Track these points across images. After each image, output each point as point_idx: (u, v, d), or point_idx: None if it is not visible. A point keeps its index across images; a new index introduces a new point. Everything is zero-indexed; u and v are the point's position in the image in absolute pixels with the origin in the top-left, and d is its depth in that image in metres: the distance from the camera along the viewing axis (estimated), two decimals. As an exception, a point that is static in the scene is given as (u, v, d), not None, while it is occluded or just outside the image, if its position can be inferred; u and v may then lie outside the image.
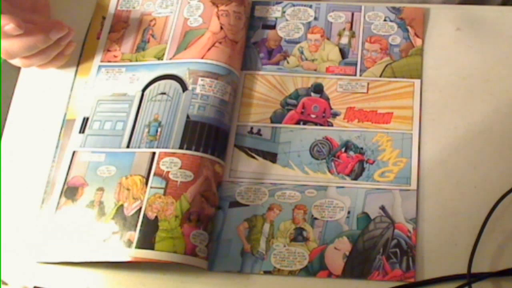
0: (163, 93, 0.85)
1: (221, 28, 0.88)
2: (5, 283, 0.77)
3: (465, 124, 0.83)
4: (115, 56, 0.89)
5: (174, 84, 0.85)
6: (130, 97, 0.86)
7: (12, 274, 0.78)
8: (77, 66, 0.89)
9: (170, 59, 0.88)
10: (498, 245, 0.77)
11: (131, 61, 0.89)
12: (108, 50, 0.90)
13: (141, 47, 0.89)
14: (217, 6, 0.90)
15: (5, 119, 0.87)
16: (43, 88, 0.89)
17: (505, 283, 0.75)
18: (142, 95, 0.86)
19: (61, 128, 0.85)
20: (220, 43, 0.87)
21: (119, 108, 0.85)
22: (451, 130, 0.83)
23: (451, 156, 0.82)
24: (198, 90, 0.84)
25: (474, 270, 0.75)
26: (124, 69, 0.88)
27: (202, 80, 0.85)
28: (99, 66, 0.89)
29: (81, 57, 0.90)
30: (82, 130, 0.85)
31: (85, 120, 0.85)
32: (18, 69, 0.90)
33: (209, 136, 0.82)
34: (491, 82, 0.85)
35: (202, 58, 0.86)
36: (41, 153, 0.84)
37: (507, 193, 0.78)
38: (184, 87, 0.85)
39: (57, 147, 0.84)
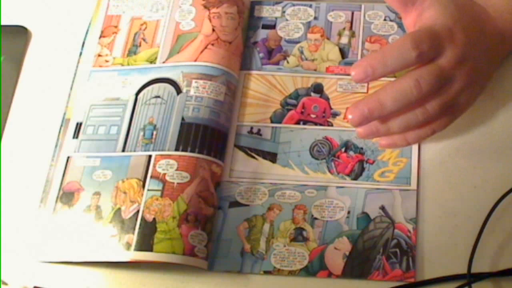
0: (157, 97, 0.85)
1: (213, 30, 0.88)
2: (5, 283, 0.77)
3: (465, 124, 0.83)
4: (106, 61, 0.89)
5: (168, 87, 0.85)
6: (123, 101, 0.86)
7: (12, 274, 0.78)
8: (77, 66, 0.89)
9: (163, 62, 0.88)
10: (498, 245, 0.77)
11: (123, 65, 0.88)
12: (99, 55, 0.90)
13: (132, 51, 0.89)
14: (208, 9, 0.90)
15: (5, 119, 0.87)
16: (43, 88, 0.89)
17: (505, 283, 0.75)
18: (136, 99, 0.86)
19: (60, 127, 0.85)
20: (212, 44, 0.87)
21: (113, 113, 0.85)
22: (451, 130, 0.83)
23: (451, 156, 0.82)
24: (192, 92, 0.84)
25: (474, 270, 0.74)
26: (116, 73, 0.88)
27: (195, 82, 0.85)
28: (91, 71, 0.89)
29: (81, 57, 0.90)
30: (75, 135, 0.85)
31: (79, 126, 0.85)
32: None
33: (205, 137, 0.82)
34: (491, 81, 0.85)
35: (195, 60, 0.86)
36: (40, 152, 0.84)
37: (507, 193, 0.77)
38: (178, 90, 0.85)
39: (56, 146, 0.84)
